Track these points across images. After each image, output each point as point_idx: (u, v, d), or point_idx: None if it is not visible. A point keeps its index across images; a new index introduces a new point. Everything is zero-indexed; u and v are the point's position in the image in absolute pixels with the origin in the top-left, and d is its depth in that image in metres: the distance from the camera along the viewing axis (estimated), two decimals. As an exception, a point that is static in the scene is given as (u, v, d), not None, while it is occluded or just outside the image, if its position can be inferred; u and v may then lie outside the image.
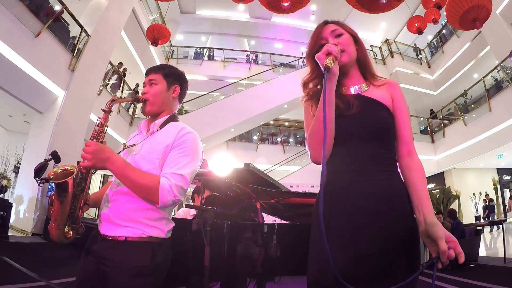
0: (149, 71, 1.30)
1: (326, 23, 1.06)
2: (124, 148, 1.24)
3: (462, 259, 0.75)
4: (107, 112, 1.17)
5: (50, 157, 1.11)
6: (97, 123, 1.16)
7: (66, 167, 1.07)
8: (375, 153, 0.94)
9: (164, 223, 1.13)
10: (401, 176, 0.96)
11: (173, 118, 1.27)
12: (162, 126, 1.23)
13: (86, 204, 1.14)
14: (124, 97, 1.15)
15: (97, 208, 1.24)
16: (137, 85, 9.91)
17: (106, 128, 1.16)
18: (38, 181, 1.04)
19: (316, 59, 0.91)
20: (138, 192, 1.08)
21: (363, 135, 0.95)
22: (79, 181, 1.08)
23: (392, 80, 1.07)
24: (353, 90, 1.03)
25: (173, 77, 1.30)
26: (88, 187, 1.13)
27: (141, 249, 1.06)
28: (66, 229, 1.08)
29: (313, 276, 0.90)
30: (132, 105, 9.23)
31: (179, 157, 1.13)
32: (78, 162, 1.08)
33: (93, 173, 1.14)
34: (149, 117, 1.31)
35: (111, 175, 1.19)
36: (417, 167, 0.93)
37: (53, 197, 1.06)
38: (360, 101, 0.99)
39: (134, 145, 1.22)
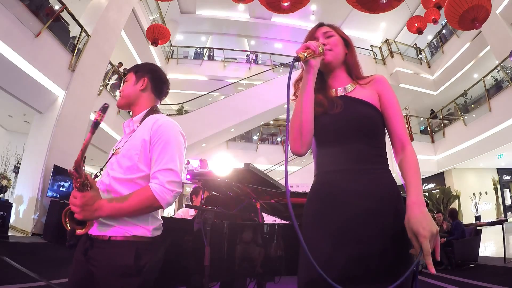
0: (125, 74, 1.32)
1: (320, 25, 1.09)
2: (113, 154, 1.22)
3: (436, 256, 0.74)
4: (77, 170, 1.01)
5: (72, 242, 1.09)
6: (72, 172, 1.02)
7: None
8: (362, 152, 0.94)
9: (148, 221, 1.11)
10: (392, 174, 0.96)
11: (151, 112, 1.25)
12: (141, 121, 1.22)
13: None
14: (88, 137, 1.06)
15: None
16: (125, 69, 9.67)
17: (84, 168, 1.04)
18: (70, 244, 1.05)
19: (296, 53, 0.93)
20: (142, 212, 1.08)
21: (349, 134, 0.95)
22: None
23: (377, 75, 1.06)
24: (338, 91, 1.04)
25: (142, 71, 1.31)
26: None
27: (125, 248, 1.05)
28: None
29: (306, 276, 0.90)
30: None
31: (161, 151, 1.11)
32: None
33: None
34: (131, 115, 1.31)
35: (99, 174, 1.21)
36: (409, 159, 0.91)
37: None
38: (344, 100, 1.00)
39: (119, 148, 1.21)
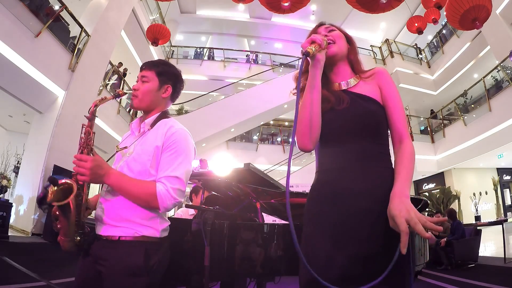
0: (143, 67, 1.27)
1: (321, 23, 1.10)
2: (117, 151, 1.23)
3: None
4: (91, 118, 1.14)
5: (48, 183, 1.07)
6: (83, 131, 1.12)
7: (63, 181, 1.05)
8: (366, 149, 0.94)
9: (158, 222, 1.12)
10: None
11: (163, 116, 1.25)
12: (152, 125, 1.21)
13: (88, 208, 1.15)
14: (106, 97, 1.08)
15: None
16: (125, 69, 9.46)
17: (93, 135, 1.13)
18: (43, 208, 1.04)
19: (301, 48, 0.92)
20: (138, 202, 1.08)
21: (355, 131, 0.95)
22: (78, 192, 1.07)
23: (378, 68, 1.06)
24: (341, 86, 1.04)
25: (166, 76, 1.26)
26: (87, 195, 1.13)
27: (135, 248, 1.06)
28: (75, 237, 1.09)
29: (306, 276, 0.90)
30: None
31: (171, 158, 1.12)
32: (73, 175, 1.06)
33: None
34: (140, 116, 1.30)
35: None
36: (404, 152, 0.91)
37: (57, 213, 1.05)
38: (350, 96, 0.99)
39: (126, 147, 1.21)
